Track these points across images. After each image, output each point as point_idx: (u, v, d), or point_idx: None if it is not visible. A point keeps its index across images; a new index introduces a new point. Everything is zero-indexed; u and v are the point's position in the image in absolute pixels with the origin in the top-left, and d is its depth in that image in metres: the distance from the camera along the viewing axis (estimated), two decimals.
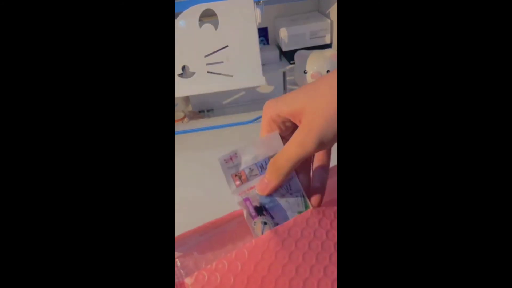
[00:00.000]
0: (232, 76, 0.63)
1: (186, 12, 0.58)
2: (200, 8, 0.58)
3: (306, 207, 0.29)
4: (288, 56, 0.78)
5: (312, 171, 0.30)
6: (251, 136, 0.62)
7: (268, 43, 0.87)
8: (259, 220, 0.28)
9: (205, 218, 0.32)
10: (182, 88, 0.63)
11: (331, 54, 0.66)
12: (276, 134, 0.28)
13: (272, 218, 0.28)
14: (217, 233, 0.31)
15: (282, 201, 0.28)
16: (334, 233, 0.27)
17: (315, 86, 0.27)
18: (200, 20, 0.59)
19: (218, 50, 0.61)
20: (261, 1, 0.60)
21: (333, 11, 0.77)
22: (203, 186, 0.50)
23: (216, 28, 0.60)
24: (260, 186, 0.28)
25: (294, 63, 0.68)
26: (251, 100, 0.74)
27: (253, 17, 0.60)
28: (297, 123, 0.27)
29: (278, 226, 0.27)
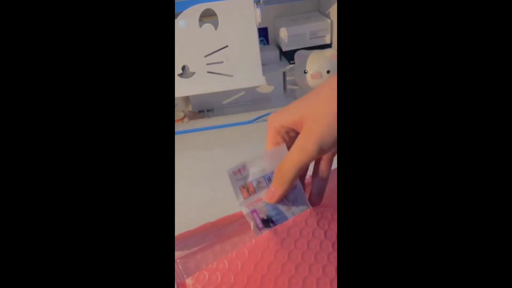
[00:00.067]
0: (232, 76, 0.63)
1: (186, 12, 0.58)
2: (200, 8, 0.58)
3: None
4: (288, 56, 0.78)
5: (312, 179, 0.31)
6: (251, 136, 0.62)
7: (268, 43, 0.87)
8: (265, 232, 0.28)
9: (205, 218, 0.32)
10: (182, 88, 0.63)
11: (331, 54, 0.66)
12: (283, 147, 0.29)
13: None
14: (218, 235, 0.31)
15: (289, 214, 0.29)
16: (332, 233, 0.27)
17: (316, 94, 0.27)
18: (200, 20, 0.59)
19: (218, 50, 0.61)
20: (261, 1, 0.60)
21: (333, 11, 0.77)
22: (203, 186, 0.50)
23: (216, 28, 0.60)
24: (267, 195, 0.28)
25: (294, 63, 0.68)
26: (251, 100, 0.74)
27: (253, 17, 0.59)
28: (300, 131, 0.28)
29: (277, 226, 0.27)
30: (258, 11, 0.60)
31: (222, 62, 0.62)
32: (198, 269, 0.28)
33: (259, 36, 0.64)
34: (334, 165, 0.30)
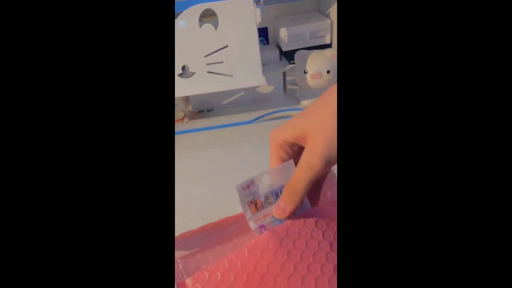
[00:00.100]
0: (232, 76, 0.63)
1: (186, 12, 0.58)
2: (200, 8, 0.58)
3: None
4: (288, 56, 0.78)
5: None
6: (251, 136, 0.62)
7: (268, 43, 0.87)
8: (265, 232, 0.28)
9: (205, 218, 0.32)
10: (182, 88, 0.63)
11: (331, 54, 0.66)
12: (290, 162, 0.29)
13: None
14: (219, 236, 0.31)
15: None
16: (330, 233, 0.27)
17: (317, 106, 0.28)
18: (200, 20, 0.59)
19: (218, 50, 0.61)
20: (261, 1, 0.60)
21: (333, 11, 0.77)
22: (203, 186, 0.50)
23: (216, 28, 0.60)
24: (277, 211, 0.29)
25: (294, 63, 0.68)
26: (251, 100, 0.74)
27: (253, 17, 0.59)
28: (304, 145, 0.28)
29: (276, 226, 0.28)
30: (258, 11, 0.60)
31: (222, 62, 0.62)
32: (198, 269, 0.28)
33: (259, 36, 0.64)
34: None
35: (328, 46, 0.79)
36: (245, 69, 0.63)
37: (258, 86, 0.72)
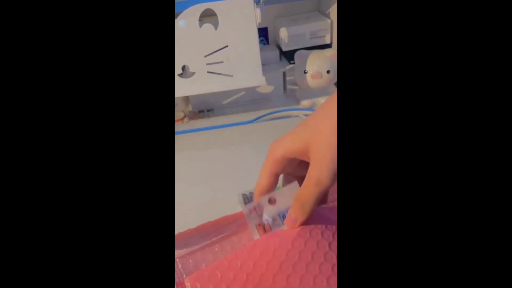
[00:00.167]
0: (232, 76, 0.63)
1: (186, 12, 0.58)
2: (200, 8, 0.58)
3: None
4: (288, 56, 0.78)
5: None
6: (251, 136, 0.62)
7: (268, 43, 0.87)
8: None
9: (205, 218, 0.32)
10: (182, 88, 0.63)
11: (331, 54, 0.66)
12: (295, 184, 0.29)
13: None
14: (218, 235, 0.31)
15: None
16: (328, 233, 0.27)
17: (318, 118, 0.27)
18: (200, 20, 0.59)
19: (218, 50, 0.61)
20: (261, 1, 0.60)
21: (333, 11, 0.77)
22: (203, 186, 0.50)
23: (216, 28, 0.60)
24: (289, 223, 0.28)
25: (294, 63, 0.68)
26: (251, 100, 0.74)
27: (253, 17, 0.59)
28: (305, 159, 0.27)
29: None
30: (258, 11, 0.60)
31: (222, 62, 0.62)
32: (197, 268, 0.28)
33: (259, 36, 0.64)
34: None
35: (328, 46, 0.79)
36: (245, 69, 0.63)
37: (258, 86, 0.72)
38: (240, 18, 0.59)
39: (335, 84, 0.70)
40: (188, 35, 0.60)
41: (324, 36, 0.79)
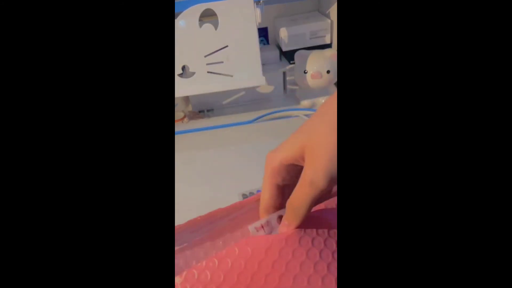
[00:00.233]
0: (232, 76, 0.63)
1: (186, 12, 0.58)
2: (200, 8, 0.58)
3: None
4: (288, 56, 0.78)
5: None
6: (251, 136, 0.62)
7: (268, 43, 0.87)
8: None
9: None
10: (182, 88, 0.63)
11: (331, 54, 0.66)
12: None
13: None
14: (209, 230, 0.30)
15: None
16: (324, 231, 0.27)
17: (314, 121, 0.26)
18: (200, 20, 0.59)
19: (218, 50, 0.61)
20: (261, 1, 0.60)
21: (333, 11, 0.77)
22: (203, 186, 0.50)
23: (216, 28, 0.60)
24: (282, 229, 0.27)
25: (294, 63, 0.68)
26: (251, 100, 0.74)
27: (253, 17, 0.59)
28: (303, 164, 0.26)
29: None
30: (258, 11, 0.60)
31: (222, 62, 0.62)
32: (187, 266, 0.28)
33: (259, 36, 0.64)
34: None
35: (328, 46, 0.79)
36: (245, 69, 0.63)
37: (258, 86, 0.72)
38: (240, 18, 0.59)
39: (335, 84, 0.70)
40: (188, 35, 0.60)
41: (324, 36, 0.79)
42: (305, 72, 0.66)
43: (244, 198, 0.47)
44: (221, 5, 0.58)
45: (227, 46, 0.61)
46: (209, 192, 0.49)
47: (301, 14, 0.83)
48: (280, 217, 0.28)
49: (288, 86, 0.76)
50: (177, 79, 0.63)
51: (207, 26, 0.60)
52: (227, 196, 0.46)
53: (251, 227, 0.28)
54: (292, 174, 0.28)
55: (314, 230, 0.26)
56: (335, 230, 0.27)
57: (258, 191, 0.48)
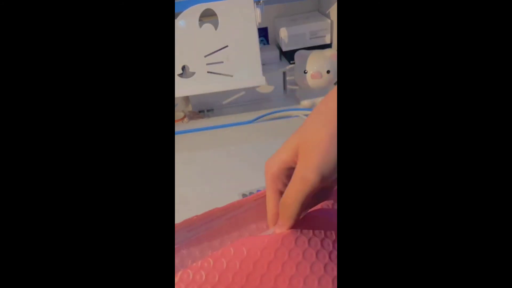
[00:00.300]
0: (232, 76, 0.63)
1: (186, 12, 0.58)
2: (200, 8, 0.58)
3: None
4: (288, 56, 0.78)
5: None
6: (251, 136, 0.62)
7: (268, 43, 0.87)
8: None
9: None
10: (182, 88, 0.63)
11: (331, 54, 0.66)
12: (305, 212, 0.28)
13: None
14: (206, 230, 0.30)
15: None
16: (320, 231, 0.26)
17: (309, 120, 0.26)
18: (200, 20, 0.59)
19: (218, 50, 0.61)
20: (261, 1, 0.60)
21: (333, 11, 0.77)
22: (203, 186, 0.50)
23: (216, 28, 0.60)
24: (277, 229, 0.27)
25: (294, 63, 0.68)
26: (251, 100, 0.74)
27: (253, 17, 0.59)
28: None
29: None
30: (258, 11, 0.60)
31: (222, 62, 0.62)
32: (183, 266, 0.27)
33: (259, 36, 0.64)
34: None
35: (328, 46, 0.79)
36: (245, 69, 0.63)
37: (258, 86, 0.72)
38: (240, 18, 0.59)
39: (335, 84, 0.70)
40: (188, 35, 0.60)
41: (324, 36, 0.79)
42: (305, 72, 0.66)
43: (244, 198, 0.47)
44: (221, 5, 0.58)
45: (227, 46, 0.61)
46: (209, 192, 0.49)
47: (301, 14, 0.83)
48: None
49: (288, 86, 0.76)
50: (177, 79, 0.63)
51: (207, 26, 0.60)
52: (227, 196, 0.46)
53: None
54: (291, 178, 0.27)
55: (311, 230, 0.26)
56: (332, 231, 0.27)
57: (258, 191, 0.48)
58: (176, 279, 0.25)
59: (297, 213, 0.26)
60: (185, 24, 0.59)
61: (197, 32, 0.60)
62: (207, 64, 0.62)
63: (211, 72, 0.63)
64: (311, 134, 0.25)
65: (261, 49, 0.62)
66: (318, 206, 0.29)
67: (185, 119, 0.70)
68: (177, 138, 0.62)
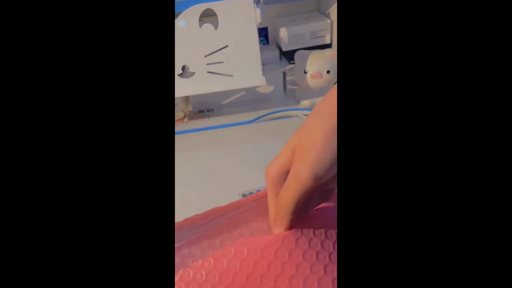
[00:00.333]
0: (232, 76, 0.63)
1: (186, 12, 0.58)
2: (200, 8, 0.58)
3: None
4: (288, 56, 0.78)
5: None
6: (251, 136, 0.62)
7: (268, 43, 0.87)
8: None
9: None
10: (182, 88, 0.63)
11: (331, 54, 0.66)
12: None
13: None
14: (206, 229, 0.30)
15: None
16: (321, 231, 0.26)
17: (307, 121, 0.26)
18: (200, 20, 0.59)
19: (218, 50, 0.61)
20: (261, 1, 0.60)
21: (333, 11, 0.77)
22: (203, 186, 0.50)
23: (216, 28, 0.60)
24: (274, 230, 0.27)
25: (294, 63, 0.68)
26: (251, 100, 0.74)
27: (253, 17, 0.59)
28: None
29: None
30: (258, 11, 0.60)
31: (222, 62, 0.62)
32: (183, 265, 0.28)
33: (259, 36, 0.64)
34: None
35: (328, 46, 0.79)
36: (245, 69, 0.63)
37: (258, 86, 0.72)
38: (240, 18, 0.59)
39: (335, 84, 0.70)
40: (188, 35, 0.60)
41: (324, 36, 0.79)
42: (305, 72, 0.66)
43: (244, 198, 0.47)
44: (221, 5, 0.58)
45: (227, 46, 0.61)
46: (209, 192, 0.49)
47: (301, 14, 0.83)
48: None
49: (288, 86, 0.76)
50: (177, 79, 0.63)
51: (207, 26, 0.60)
52: (227, 196, 0.46)
53: None
54: None
55: (311, 231, 0.26)
56: (333, 232, 0.27)
57: (258, 191, 0.48)
58: (177, 278, 0.25)
59: (291, 211, 0.26)
60: (185, 24, 0.59)
61: (197, 32, 0.60)
62: (207, 64, 0.62)
63: (211, 72, 0.63)
64: (307, 134, 0.25)
65: (261, 49, 0.62)
66: (320, 207, 0.29)
67: (185, 119, 0.70)
68: (177, 138, 0.62)
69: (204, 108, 0.73)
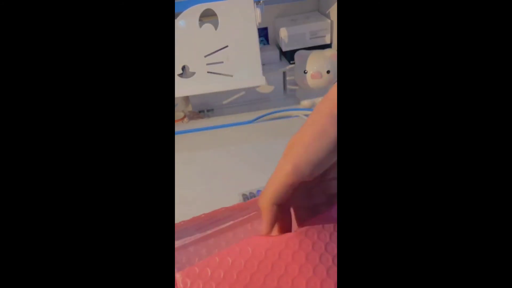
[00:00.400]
0: (232, 76, 0.63)
1: (186, 12, 0.58)
2: (200, 8, 0.58)
3: None
4: (288, 56, 0.78)
5: None
6: (251, 136, 0.62)
7: (268, 43, 0.87)
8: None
9: None
10: (182, 88, 0.63)
11: (331, 54, 0.66)
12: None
13: None
14: (213, 228, 0.30)
15: None
16: (325, 234, 0.27)
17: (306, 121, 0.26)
18: (200, 20, 0.59)
19: (218, 50, 0.61)
20: (261, 1, 0.60)
21: (333, 11, 0.77)
22: (203, 186, 0.50)
23: (216, 28, 0.60)
24: (258, 226, 0.27)
25: (294, 63, 0.68)
26: (251, 100, 0.74)
27: (253, 17, 0.60)
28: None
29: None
30: (258, 11, 0.60)
31: (222, 62, 0.62)
32: (189, 263, 0.28)
33: (259, 36, 0.64)
34: None
35: (328, 46, 0.79)
36: (245, 69, 0.63)
37: (258, 86, 0.72)
38: (240, 18, 0.59)
39: (334, 83, 0.70)
40: (188, 35, 0.60)
41: (324, 36, 0.79)
42: (305, 72, 0.66)
43: (244, 198, 0.47)
44: (221, 5, 0.58)
45: (227, 46, 0.61)
46: (209, 192, 0.49)
47: (301, 14, 0.83)
48: None
49: (288, 86, 0.76)
50: (177, 79, 0.63)
51: (207, 26, 0.60)
52: (227, 196, 0.46)
53: None
54: (285, 217, 0.27)
55: (316, 234, 0.26)
56: (337, 235, 0.27)
57: (258, 191, 0.48)
58: (183, 275, 0.25)
59: (272, 203, 0.25)
60: (185, 24, 0.59)
61: (197, 32, 0.60)
62: (207, 64, 0.62)
63: (211, 72, 0.63)
64: (299, 131, 0.25)
65: (261, 49, 0.62)
66: (324, 210, 0.29)
67: (185, 119, 0.70)
68: (177, 138, 0.62)
69: (204, 108, 0.73)
